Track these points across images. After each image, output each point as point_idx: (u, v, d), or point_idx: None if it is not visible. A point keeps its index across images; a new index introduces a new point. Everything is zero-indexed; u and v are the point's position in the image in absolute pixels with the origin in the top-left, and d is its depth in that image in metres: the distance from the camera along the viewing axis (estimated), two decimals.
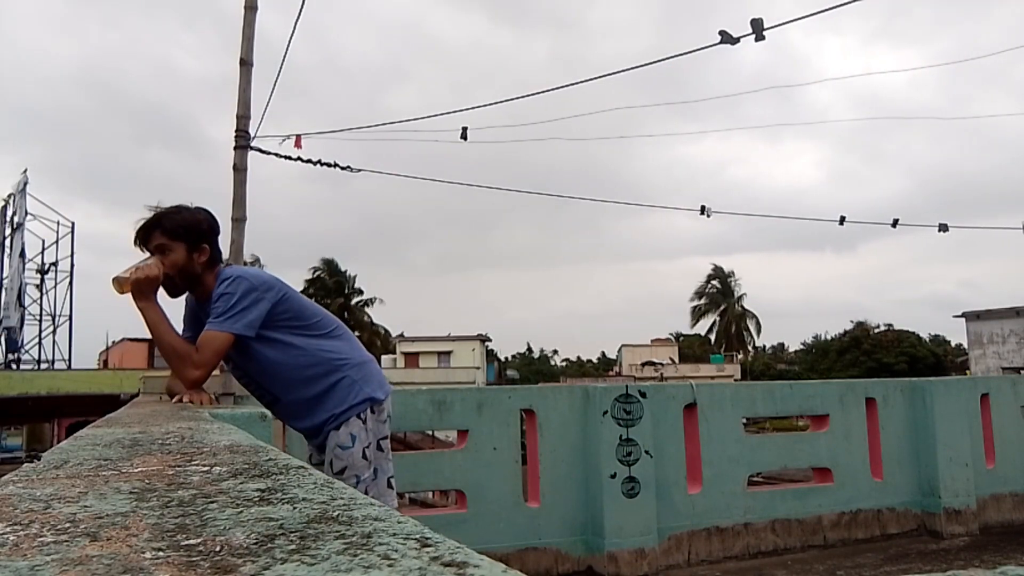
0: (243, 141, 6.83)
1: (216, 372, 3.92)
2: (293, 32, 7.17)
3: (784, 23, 6.54)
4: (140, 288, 2.37)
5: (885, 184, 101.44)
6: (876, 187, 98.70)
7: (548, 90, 8.77)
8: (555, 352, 71.78)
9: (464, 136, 9.10)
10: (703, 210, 11.25)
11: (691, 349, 53.64)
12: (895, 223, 11.97)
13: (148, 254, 2.45)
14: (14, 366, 25.96)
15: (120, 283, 2.37)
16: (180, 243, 2.42)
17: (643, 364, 43.12)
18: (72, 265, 29.01)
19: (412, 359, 40.44)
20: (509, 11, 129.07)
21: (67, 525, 0.62)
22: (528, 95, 8.53)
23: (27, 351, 27.43)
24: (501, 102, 9.12)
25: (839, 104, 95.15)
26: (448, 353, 40.61)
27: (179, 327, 2.57)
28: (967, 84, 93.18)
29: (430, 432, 18.14)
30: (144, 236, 2.44)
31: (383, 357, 40.09)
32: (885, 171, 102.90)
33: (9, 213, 26.26)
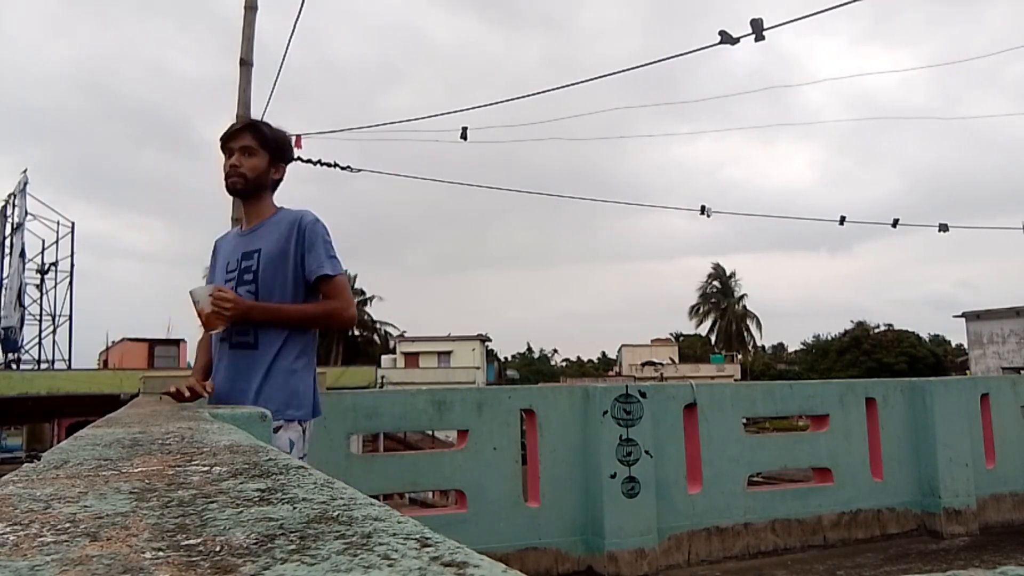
0: None
1: None
2: (292, 32, 7.18)
3: (783, 23, 6.54)
4: (235, 318, 2.37)
5: (880, 185, 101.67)
6: (871, 188, 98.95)
7: (544, 91, 8.79)
8: (555, 352, 71.86)
9: (464, 136, 9.12)
10: (703, 210, 11.27)
11: (691, 349, 53.66)
12: (895, 223, 11.98)
13: (224, 154, 2.51)
14: (14, 366, 25.93)
15: (208, 320, 2.36)
16: (266, 152, 2.54)
17: (643, 364, 43.14)
18: (72, 265, 28.99)
19: (412, 359, 40.44)
20: (500, 13, 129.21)
21: (67, 525, 0.61)
22: (524, 96, 8.58)
23: (27, 351, 27.40)
24: (498, 103, 9.18)
25: (832, 105, 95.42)
26: (448, 353, 40.61)
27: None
28: (959, 85, 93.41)
29: (430, 432, 18.14)
30: (235, 134, 2.52)
31: (383, 357, 40.10)
32: (880, 172, 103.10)
33: (9, 213, 26.26)
